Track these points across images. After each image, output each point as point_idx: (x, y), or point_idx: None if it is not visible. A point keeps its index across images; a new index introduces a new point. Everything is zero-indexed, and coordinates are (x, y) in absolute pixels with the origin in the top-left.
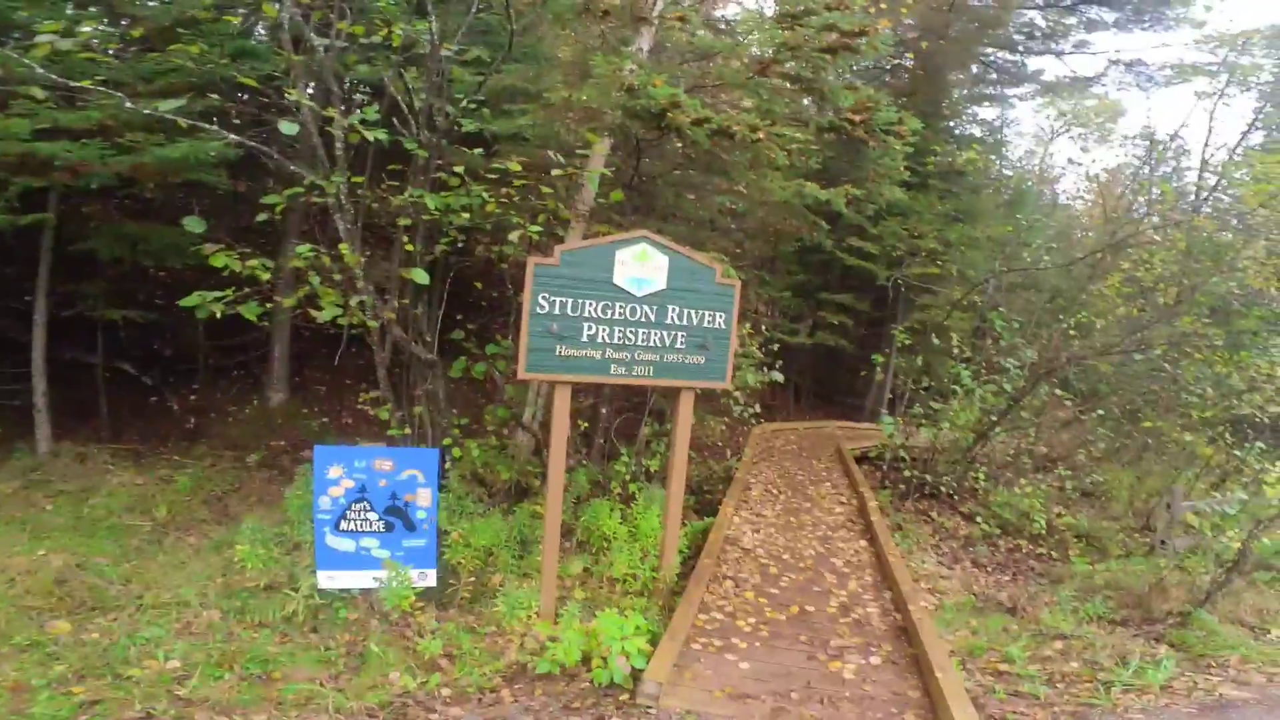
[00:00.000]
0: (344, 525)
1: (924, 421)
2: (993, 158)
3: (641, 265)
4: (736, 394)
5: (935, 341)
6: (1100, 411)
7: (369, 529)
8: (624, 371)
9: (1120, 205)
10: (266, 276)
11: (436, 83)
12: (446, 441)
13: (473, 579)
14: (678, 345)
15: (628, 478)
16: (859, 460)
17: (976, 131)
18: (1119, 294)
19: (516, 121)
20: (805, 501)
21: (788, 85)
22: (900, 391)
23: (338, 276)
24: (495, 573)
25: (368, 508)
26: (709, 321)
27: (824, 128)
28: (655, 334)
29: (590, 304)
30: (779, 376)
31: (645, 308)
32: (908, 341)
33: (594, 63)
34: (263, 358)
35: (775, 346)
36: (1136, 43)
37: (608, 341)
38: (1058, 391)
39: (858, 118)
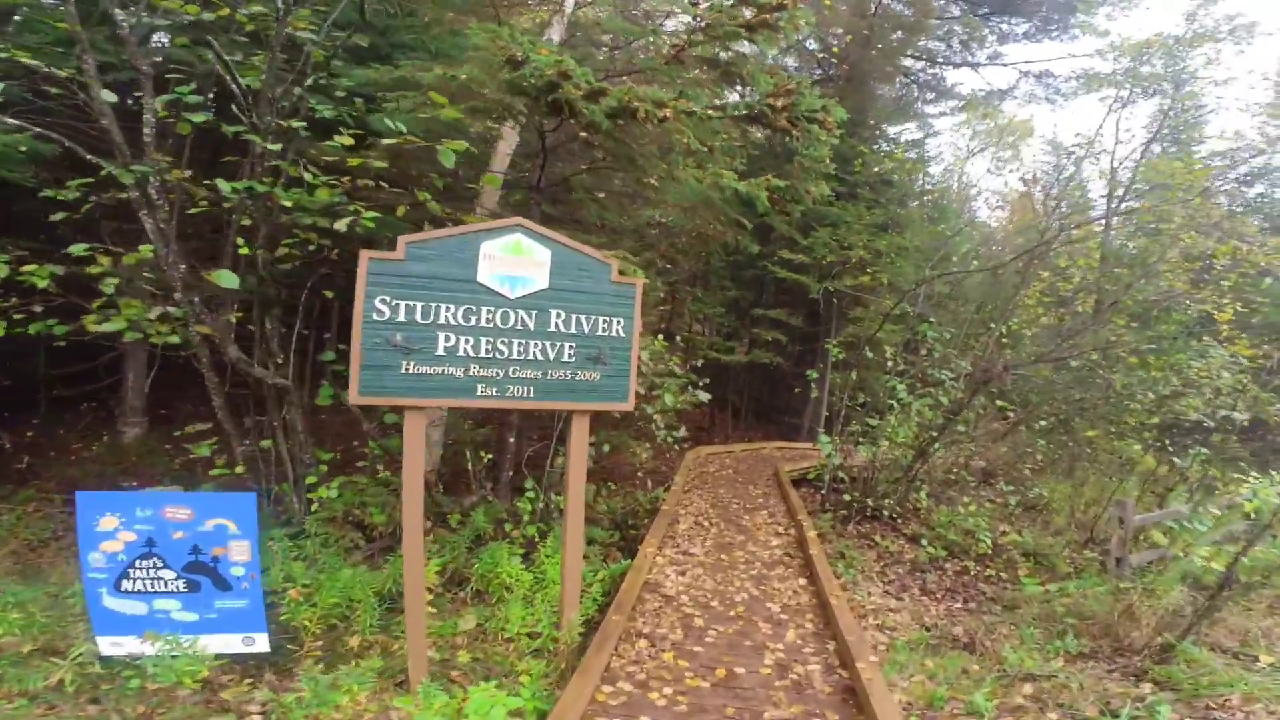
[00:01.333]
0: (127, 585)
1: (862, 440)
2: (915, 177)
3: (516, 260)
4: (657, 417)
5: (869, 354)
6: (1042, 422)
7: (164, 589)
8: (494, 392)
9: (1039, 211)
10: (44, 284)
11: (282, 65)
12: (310, 479)
13: (320, 643)
14: (565, 358)
15: (531, 516)
16: (797, 483)
17: (903, 140)
18: (1039, 304)
19: (389, 110)
20: (739, 534)
21: (706, 72)
22: (837, 408)
23: (148, 285)
24: (354, 634)
25: (159, 564)
26: (604, 329)
27: (743, 115)
28: (535, 345)
29: (448, 308)
30: (704, 396)
31: (522, 313)
32: (841, 356)
33: (470, 32)
34: (115, 386)
35: (698, 363)
36: (1045, 52)
37: (472, 355)
38: (998, 402)
39: (779, 103)
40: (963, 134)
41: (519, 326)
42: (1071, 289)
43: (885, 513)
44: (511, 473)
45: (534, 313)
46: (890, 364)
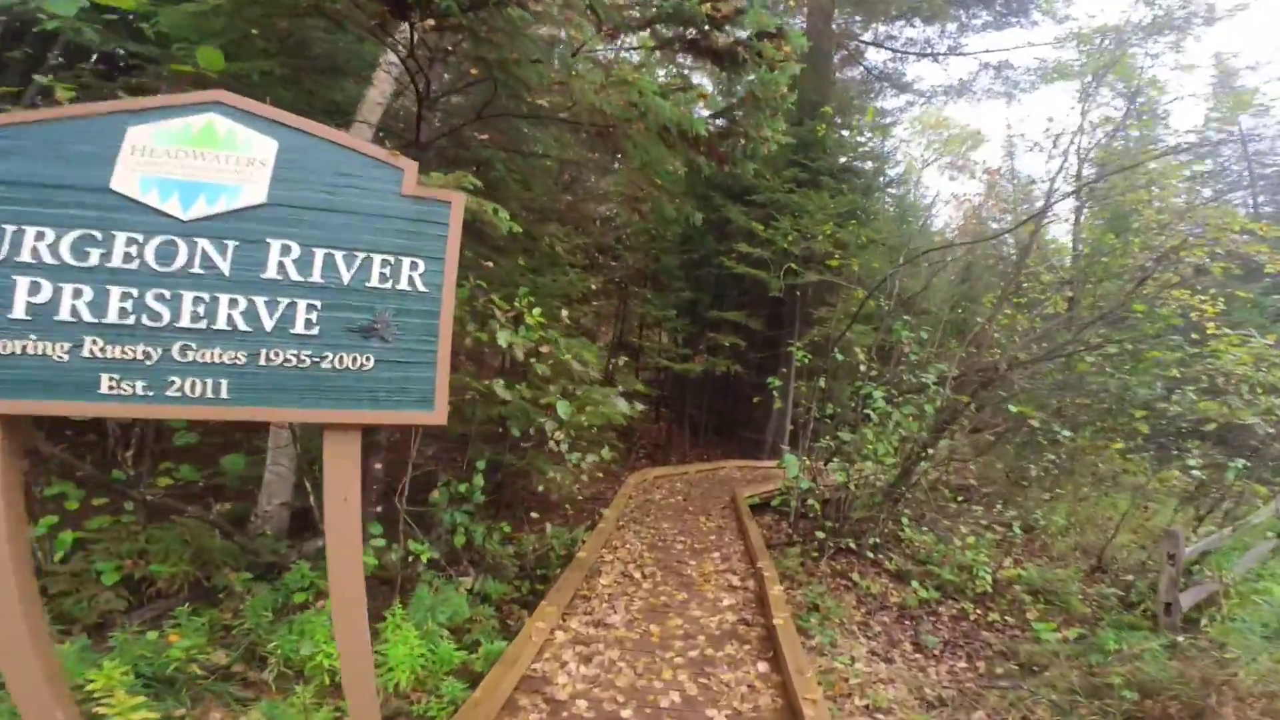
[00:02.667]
0: None
1: (834, 457)
2: (879, 167)
3: (201, 156)
4: (557, 435)
5: (838, 356)
6: (1045, 430)
7: None
8: (139, 390)
9: (1004, 197)
10: None
11: None
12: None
13: None
14: (300, 328)
15: (379, 569)
16: (759, 509)
17: (864, 126)
18: (1007, 305)
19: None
20: (680, 589)
21: None
22: (802, 421)
23: None
24: None
25: None
26: (386, 278)
27: (670, 39)
28: (233, 303)
29: (40, 236)
30: (623, 405)
31: (204, 245)
32: (806, 360)
33: None
34: None
35: (655, 375)
36: (1005, 41)
37: (91, 320)
38: (1012, 407)
39: (719, 13)
40: (917, 144)
41: (198, 270)
42: (1042, 288)
43: (864, 545)
44: (380, 507)
45: (230, 246)
46: (863, 368)
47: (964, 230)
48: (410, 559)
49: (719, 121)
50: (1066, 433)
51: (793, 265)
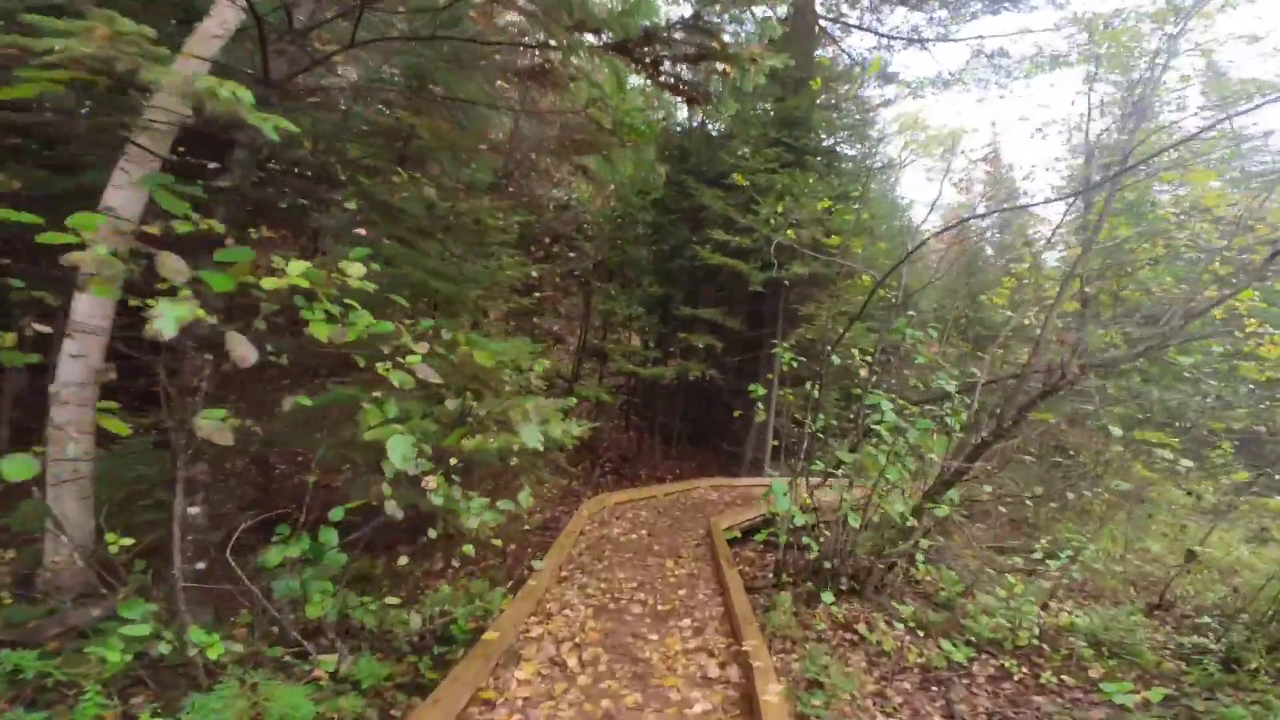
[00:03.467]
0: None
1: (833, 475)
2: (870, 148)
3: None
4: (430, 481)
5: (834, 360)
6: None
7: None
8: None
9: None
10: None
11: None
12: None
13: None
14: None
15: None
16: (740, 541)
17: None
18: (1010, 302)
19: None
20: (632, 686)
21: None
22: (788, 436)
23: None
24: None
25: None
26: None
27: None
28: None
29: None
30: (563, 431)
31: None
32: (794, 364)
33: None
34: None
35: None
36: (1001, 26)
37: None
38: (1111, 424)
39: None
40: (896, 146)
41: None
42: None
43: (871, 588)
44: (204, 564)
45: None
46: (864, 374)
47: (954, 239)
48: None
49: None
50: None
51: (774, 258)
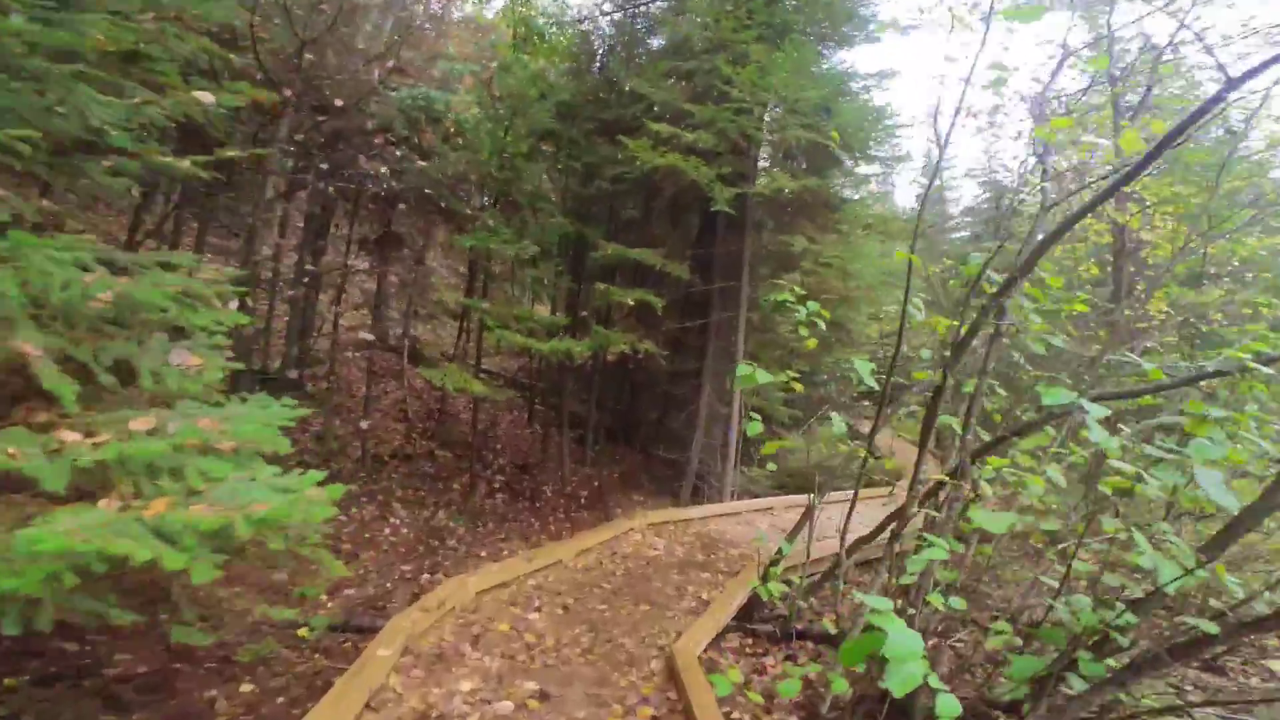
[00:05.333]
0: None
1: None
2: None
3: None
4: None
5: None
6: None
7: None
8: None
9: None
10: None
11: None
12: None
13: None
14: None
15: None
16: (727, 631)
17: None
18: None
19: None
20: None
21: None
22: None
23: None
24: None
25: None
26: None
27: None
28: None
29: None
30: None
31: None
32: (809, 330)
33: None
34: None
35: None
36: None
37: None
38: None
39: None
40: None
41: None
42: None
43: None
44: None
45: None
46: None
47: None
48: None
49: None
50: None
51: (744, 178)
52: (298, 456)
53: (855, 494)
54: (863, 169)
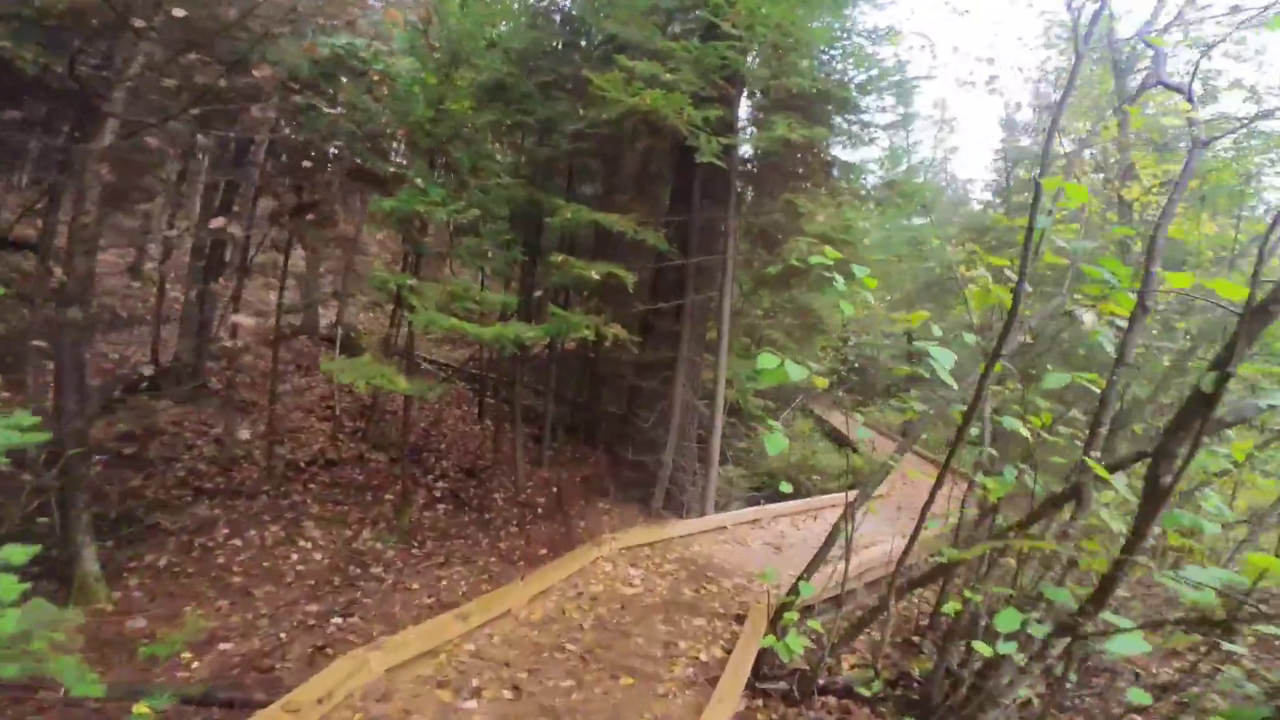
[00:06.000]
0: None
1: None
2: None
3: None
4: None
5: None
6: None
7: None
8: None
9: None
10: None
11: None
12: None
13: None
14: None
15: None
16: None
17: None
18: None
19: None
20: None
21: None
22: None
23: None
24: None
25: None
26: None
27: None
28: None
29: None
30: None
31: None
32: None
33: None
34: None
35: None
36: None
37: None
38: None
39: None
40: None
41: None
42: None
43: None
44: None
45: None
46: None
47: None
48: None
49: None
50: None
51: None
52: (191, 464)
53: (921, 520)
54: (867, 120)
